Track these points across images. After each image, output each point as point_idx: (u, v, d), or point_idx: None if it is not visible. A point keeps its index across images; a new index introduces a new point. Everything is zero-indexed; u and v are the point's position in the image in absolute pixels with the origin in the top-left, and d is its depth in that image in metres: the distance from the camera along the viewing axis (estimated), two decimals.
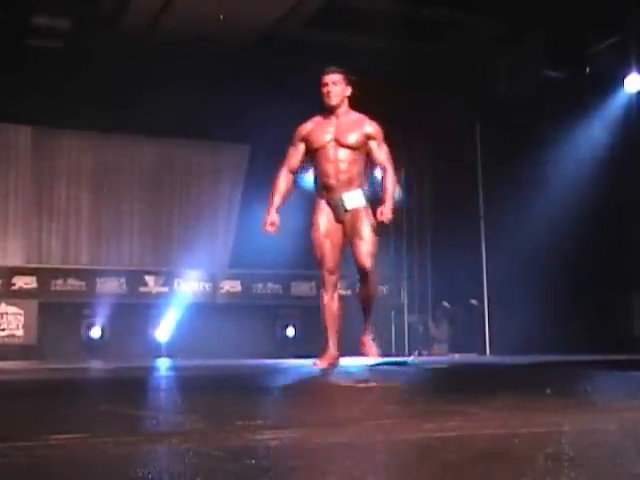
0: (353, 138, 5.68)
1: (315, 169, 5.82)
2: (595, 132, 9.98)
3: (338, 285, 5.98)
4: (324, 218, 5.75)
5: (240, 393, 3.36)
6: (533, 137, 10.46)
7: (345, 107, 5.77)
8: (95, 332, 11.55)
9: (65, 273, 11.82)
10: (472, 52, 10.75)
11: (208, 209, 12.91)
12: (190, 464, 1.37)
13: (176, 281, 12.06)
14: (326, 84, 5.73)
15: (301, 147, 5.81)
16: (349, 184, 5.70)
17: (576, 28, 9.60)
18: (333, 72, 5.75)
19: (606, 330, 9.50)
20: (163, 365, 7.60)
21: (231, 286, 12.24)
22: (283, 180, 5.83)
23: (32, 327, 11.31)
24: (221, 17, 9.56)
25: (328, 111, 5.77)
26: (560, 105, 9.99)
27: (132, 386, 3.99)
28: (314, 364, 5.67)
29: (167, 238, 12.74)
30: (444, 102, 11.20)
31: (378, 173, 5.97)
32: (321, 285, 5.93)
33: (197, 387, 3.96)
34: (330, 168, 5.68)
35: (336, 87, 5.68)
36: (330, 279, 5.80)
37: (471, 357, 10.69)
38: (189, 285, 11.98)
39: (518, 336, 10.15)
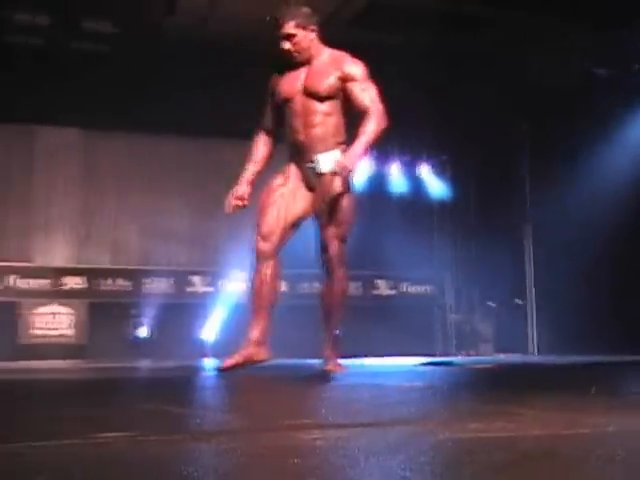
0: (326, 83, 4.62)
1: (285, 127, 4.80)
2: None
3: (276, 262, 4.68)
4: (284, 180, 4.73)
5: (285, 392, 3.37)
6: (579, 135, 10.34)
7: (315, 50, 4.72)
8: (142, 332, 11.67)
9: (113, 273, 11.98)
10: (516, 49, 10.65)
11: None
12: (236, 463, 1.38)
13: (221, 281, 12.15)
14: (280, 39, 4.69)
15: (270, 108, 4.87)
16: (323, 142, 4.62)
17: (622, 24, 9.47)
18: (285, 21, 4.66)
19: None
20: (209, 364, 7.65)
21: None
22: (258, 144, 4.92)
23: (82, 327, 11.47)
24: (268, 19, 9.59)
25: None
26: (606, 102, 9.87)
27: (178, 385, 4.03)
28: (218, 368, 4.62)
29: (213, 238, 12.81)
30: (490, 100, 11.11)
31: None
32: (254, 257, 4.72)
33: (243, 386, 3.97)
34: (298, 123, 4.66)
35: (294, 40, 4.65)
36: (262, 248, 4.66)
37: (516, 357, 10.60)
38: (234, 285, 12.04)
39: (563, 336, 10.05)
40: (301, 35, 4.64)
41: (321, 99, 4.64)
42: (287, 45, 4.65)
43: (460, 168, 13.33)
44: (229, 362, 4.50)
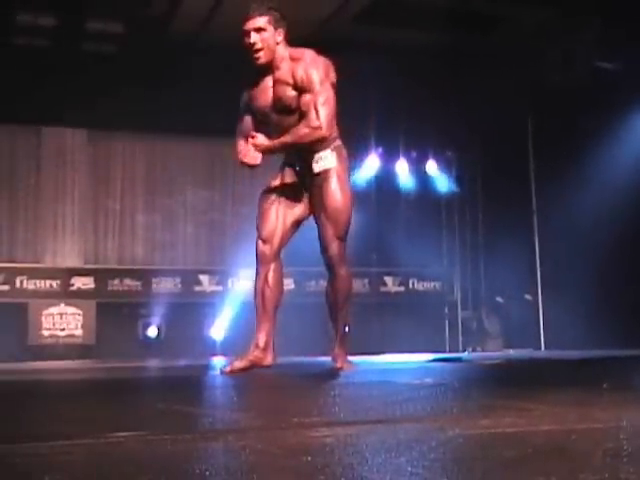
0: (292, 99, 4.48)
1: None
2: None
3: (278, 264, 4.71)
4: (280, 182, 4.69)
5: (295, 390, 3.38)
6: (586, 130, 10.31)
7: (280, 56, 4.51)
8: (151, 331, 11.69)
9: (121, 273, 12.01)
10: (523, 44, 10.64)
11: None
12: (246, 461, 1.39)
13: (230, 280, 12.16)
14: (247, 33, 4.47)
15: (247, 114, 4.73)
16: (310, 147, 4.52)
17: (630, 18, 9.43)
18: (256, 15, 4.47)
19: None
20: (218, 363, 7.66)
21: (284, 284, 12.27)
22: (242, 146, 4.63)
23: (90, 327, 11.50)
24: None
25: (262, 72, 4.59)
26: (614, 97, 9.84)
27: (188, 384, 4.03)
28: (223, 369, 4.57)
29: (221, 237, 12.83)
30: (495, 96, 11.10)
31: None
32: (256, 260, 4.71)
33: (252, 385, 3.98)
34: (278, 130, 4.57)
35: (262, 35, 4.45)
36: (264, 251, 4.64)
37: (526, 352, 10.59)
38: (243, 284, 12.05)
39: (573, 331, 10.03)
40: (270, 32, 4.47)
41: (293, 111, 4.52)
42: (254, 38, 4.44)
43: (466, 164, 13.32)
44: (235, 366, 4.49)
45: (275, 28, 4.49)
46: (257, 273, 4.69)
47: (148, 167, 12.71)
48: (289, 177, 4.69)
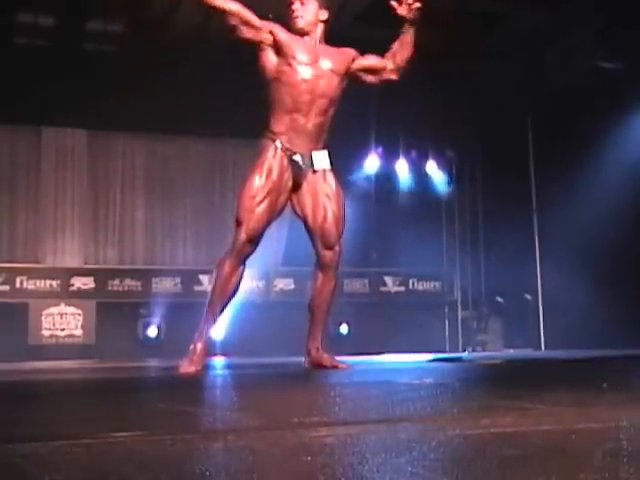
0: (345, 67, 4.55)
1: (279, 100, 4.48)
2: None
3: (244, 265, 4.58)
4: (267, 175, 4.43)
5: (295, 390, 3.38)
6: (586, 129, 10.31)
7: (320, 34, 4.59)
8: (151, 331, 11.70)
9: (121, 273, 12.02)
10: (522, 44, 10.64)
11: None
12: (246, 461, 1.39)
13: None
14: (292, 2, 4.53)
15: (266, 38, 4.44)
16: (321, 135, 4.54)
17: (631, 17, 9.44)
18: None
19: None
20: (218, 363, 7.66)
21: (284, 284, 12.29)
22: None
23: (90, 327, 11.50)
24: (270, 16, 9.59)
25: (300, 36, 4.54)
26: (614, 97, 9.84)
27: (188, 384, 4.03)
28: (180, 368, 4.50)
29: (221, 237, 12.82)
30: (495, 96, 11.10)
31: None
32: (230, 252, 4.52)
33: (252, 385, 3.98)
34: (309, 104, 4.43)
35: (305, 5, 4.51)
36: (246, 251, 4.49)
37: (526, 352, 10.59)
38: (243, 284, 12.03)
39: (573, 330, 10.04)
40: (313, 6, 4.51)
41: (341, 83, 4.51)
42: (296, 5, 4.49)
43: (466, 164, 13.32)
44: (188, 366, 4.49)
45: (320, 7, 4.54)
46: (227, 267, 4.51)
47: (148, 167, 12.71)
48: (276, 170, 4.44)
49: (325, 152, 4.55)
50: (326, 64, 4.48)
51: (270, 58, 4.46)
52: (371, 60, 4.67)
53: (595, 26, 9.90)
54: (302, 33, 4.48)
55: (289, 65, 4.41)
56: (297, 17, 4.47)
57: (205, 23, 10.43)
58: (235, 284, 4.59)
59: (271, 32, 4.43)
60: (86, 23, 10.48)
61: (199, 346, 4.58)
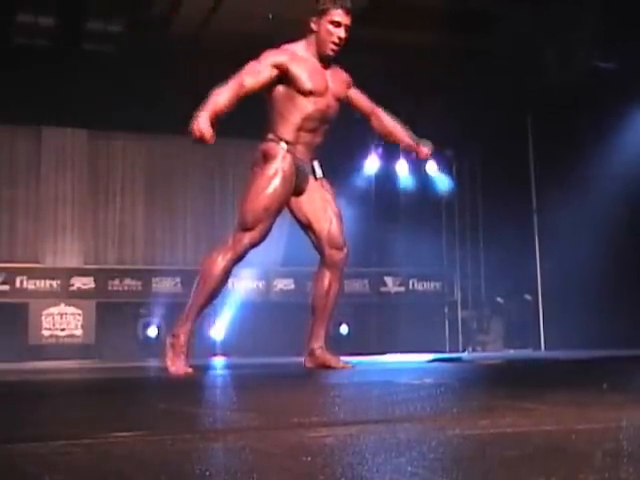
0: (344, 95, 4.70)
1: (287, 118, 4.50)
2: None
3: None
4: (284, 179, 4.47)
5: (295, 390, 3.38)
6: (586, 129, 10.32)
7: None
8: (151, 331, 11.70)
9: (121, 273, 12.02)
10: (521, 44, 10.64)
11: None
12: (246, 461, 1.38)
13: (230, 280, 12.15)
14: (339, 25, 4.48)
15: (272, 73, 4.42)
16: (316, 150, 4.68)
17: (629, 16, 9.44)
18: (350, 11, 4.52)
19: None
20: (218, 363, 7.66)
21: (284, 284, 12.29)
22: (232, 92, 4.52)
23: (90, 327, 11.51)
24: (270, 17, 9.60)
25: (318, 58, 4.55)
26: (613, 96, 9.84)
27: (188, 384, 4.03)
28: (169, 367, 4.38)
29: (220, 237, 12.82)
30: (495, 95, 11.10)
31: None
32: (226, 252, 4.49)
33: (252, 385, 3.98)
34: (319, 122, 4.57)
35: (347, 34, 4.52)
36: (246, 254, 4.51)
37: (526, 353, 10.59)
38: (243, 283, 12.06)
39: (573, 331, 10.04)
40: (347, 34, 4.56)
41: (341, 106, 4.67)
42: (345, 34, 4.50)
43: (466, 164, 13.32)
44: (177, 367, 4.37)
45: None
46: (219, 260, 4.46)
47: (148, 167, 12.72)
48: (292, 176, 4.50)
49: (316, 162, 4.69)
50: (333, 91, 4.61)
51: (279, 88, 4.52)
52: (362, 102, 4.85)
53: (593, 26, 9.90)
54: (325, 59, 4.56)
55: (303, 95, 4.49)
56: (338, 48, 4.53)
57: (205, 23, 10.44)
58: (225, 283, 4.60)
59: (276, 67, 4.46)
60: (86, 23, 10.48)
61: (182, 338, 4.42)
